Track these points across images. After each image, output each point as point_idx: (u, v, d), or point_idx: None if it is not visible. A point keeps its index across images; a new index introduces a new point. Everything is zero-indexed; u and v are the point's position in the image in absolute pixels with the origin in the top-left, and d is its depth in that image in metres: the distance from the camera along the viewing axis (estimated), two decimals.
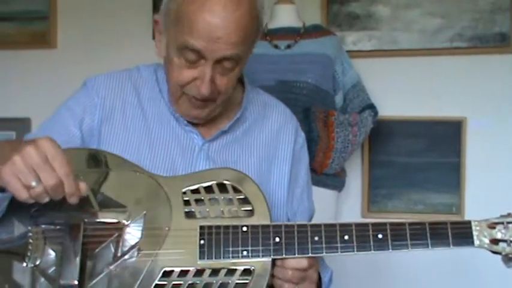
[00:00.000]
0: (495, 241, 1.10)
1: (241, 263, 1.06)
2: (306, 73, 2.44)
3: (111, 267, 1.04)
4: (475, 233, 1.13)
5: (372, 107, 2.52)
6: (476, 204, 2.70)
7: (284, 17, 2.55)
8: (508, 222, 1.08)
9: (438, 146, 2.72)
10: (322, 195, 2.51)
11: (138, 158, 1.19)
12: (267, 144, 1.30)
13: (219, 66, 1.14)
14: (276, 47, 2.48)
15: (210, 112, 1.22)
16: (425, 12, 2.72)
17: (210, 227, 1.07)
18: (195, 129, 1.25)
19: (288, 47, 2.49)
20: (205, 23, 1.09)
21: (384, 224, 1.09)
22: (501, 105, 2.69)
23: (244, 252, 1.06)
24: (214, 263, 1.06)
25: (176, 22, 1.13)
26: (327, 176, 2.49)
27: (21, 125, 2.96)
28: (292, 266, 1.08)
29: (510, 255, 1.08)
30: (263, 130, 1.32)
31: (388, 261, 2.77)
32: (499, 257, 1.13)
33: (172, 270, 1.04)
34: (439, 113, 2.71)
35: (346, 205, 2.75)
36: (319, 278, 1.20)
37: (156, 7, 2.84)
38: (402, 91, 2.74)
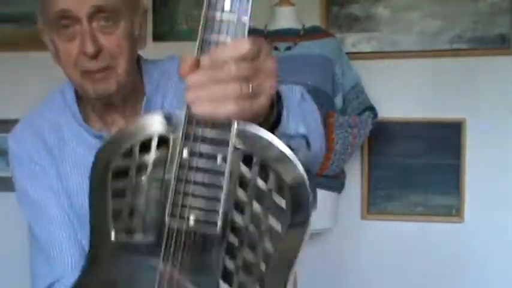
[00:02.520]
0: None
1: None
2: (306, 75, 2.43)
3: None
4: None
5: (371, 108, 2.52)
6: (476, 206, 2.70)
7: (283, 19, 2.55)
8: None
9: (438, 148, 2.72)
10: (322, 197, 2.49)
11: (81, 186, 1.14)
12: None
13: (96, 24, 1.07)
14: (275, 48, 2.48)
15: (119, 84, 1.11)
16: (425, 13, 2.72)
17: None
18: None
19: (288, 48, 2.49)
20: None
21: None
22: (501, 107, 2.69)
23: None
24: None
25: (42, 6, 1.12)
26: (326, 178, 2.48)
27: None
28: (229, 54, 0.76)
29: None
30: (172, 97, 1.22)
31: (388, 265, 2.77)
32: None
33: None
34: (439, 115, 2.71)
35: (346, 207, 2.75)
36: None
37: (156, 9, 2.85)
38: (402, 93, 2.74)
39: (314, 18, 2.73)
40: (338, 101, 2.54)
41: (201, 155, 0.85)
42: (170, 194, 0.87)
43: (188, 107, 0.81)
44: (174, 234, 0.88)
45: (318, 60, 2.47)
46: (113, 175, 0.92)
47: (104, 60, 1.08)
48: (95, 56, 1.07)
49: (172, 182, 0.87)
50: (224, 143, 0.83)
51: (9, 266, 2.75)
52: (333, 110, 2.48)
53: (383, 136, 2.69)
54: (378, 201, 2.77)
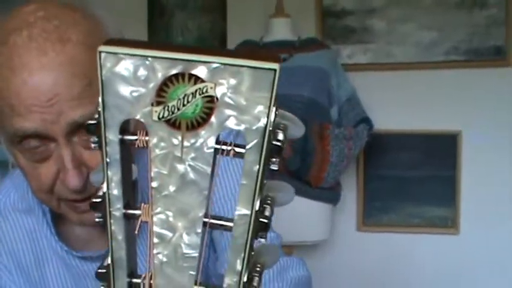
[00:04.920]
0: None
1: None
2: (301, 86, 2.43)
3: None
4: None
5: (367, 120, 2.52)
6: (472, 218, 2.70)
7: (279, 31, 2.55)
8: None
9: (433, 160, 2.71)
10: (317, 209, 2.50)
11: None
12: None
13: (76, 138, 0.78)
14: None
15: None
16: (421, 25, 2.72)
17: None
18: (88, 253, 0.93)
19: (284, 60, 2.49)
20: (24, 86, 0.74)
21: None
22: (497, 119, 2.69)
23: None
24: None
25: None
26: (322, 189, 2.48)
27: None
28: None
29: None
30: None
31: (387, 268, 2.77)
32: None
33: None
34: (434, 127, 2.71)
35: (342, 218, 2.74)
36: None
37: (151, 21, 2.84)
38: (397, 104, 2.73)
39: (310, 30, 2.73)
40: (333, 112, 2.53)
41: None
42: None
43: None
44: None
45: (313, 71, 2.47)
46: None
47: (89, 189, 0.80)
48: (82, 190, 0.79)
49: None
50: None
51: None
52: (329, 122, 2.48)
53: (378, 148, 2.69)
54: (374, 212, 2.76)
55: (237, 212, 0.43)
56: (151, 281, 0.46)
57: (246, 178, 0.41)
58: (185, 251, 0.44)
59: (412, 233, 2.74)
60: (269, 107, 0.39)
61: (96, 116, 0.42)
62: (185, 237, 0.44)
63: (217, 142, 0.41)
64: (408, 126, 2.72)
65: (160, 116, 0.40)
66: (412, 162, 2.72)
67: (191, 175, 0.42)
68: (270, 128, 0.40)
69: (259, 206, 0.42)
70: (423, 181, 2.72)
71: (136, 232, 0.47)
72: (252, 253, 0.45)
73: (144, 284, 0.47)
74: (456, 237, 2.72)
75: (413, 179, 2.72)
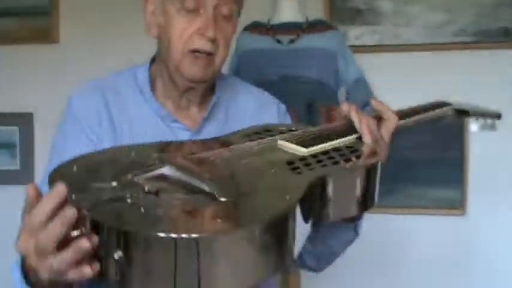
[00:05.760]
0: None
1: (343, 142, 1.11)
2: (309, 68, 2.43)
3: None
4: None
5: None
6: (479, 199, 2.71)
7: (287, 12, 2.54)
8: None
9: (441, 141, 2.72)
10: None
11: None
12: (251, 120, 1.28)
13: (218, 14, 1.17)
14: (278, 41, 2.48)
15: (213, 74, 1.21)
16: (428, 6, 2.72)
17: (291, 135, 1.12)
18: (181, 124, 1.23)
19: (291, 41, 2.49)
20: None
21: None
22: (504, 100, 2.68)
23: (335, 138, 1.11)
24: (320, 146, 1.06)
25: None
26: None
27: (23, 120, 2.97)
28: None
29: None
30: (242, 109, 1.32)
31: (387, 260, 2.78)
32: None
33: (293, 161, 1.01)
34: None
35: None
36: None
37: None
38: (405, 86, 2.73)
39: (317, 12, 2.72)
40: (341, 94, 2.54)
41: None
42: None
43: None
44: None
45: (321, 53, 2.47)
46: None
47: (214, 46, 1.16)
48: (213, 40, 1.15)
49: None
50: None
51: (8, 261, 2.76)
52: (336, 103, 2.48)
53: None
54: (380, 194, 2.76)
55: None
56: None
57: None
58: None
59: (418, 214, 2.74)
60: None
61: None
62: None
63: None
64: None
65: None
66: (419, 143, 2.72)
67: None
68: None
69: None
70: (430, 163, 2.72)
71: None
72: None
73: None
74: (463, 218, 2.72)
75: (420, 160, 2.73)
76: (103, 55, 2.92)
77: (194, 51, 1.16)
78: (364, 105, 2.52)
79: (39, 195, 0.83)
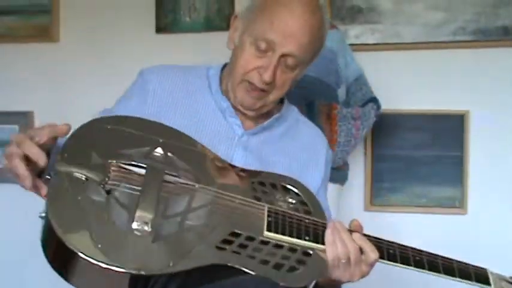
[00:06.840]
0: None
1: (303, 245, 1.15)
2: (309, 66, 2.43)
3: (182, 215, 1.08)
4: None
5: (374, 100, 2.52)
6: (480, 198, 2.70)
7: None
8: None
9: (441, 140, 2.71)
10: None
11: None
12: (302, 150, 1.43)
13: (283, 61, 1.31)
14: None
15: (262, 106, 1.36)
16: (428, 5, 2.71)
17: (276, 211, 1.18)
18: (238, 120, 1.39)
19: None
20: (284, 19, 1.28)
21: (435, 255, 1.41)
22: (504, 99, 2.68)
23: (307, 237, 1.16)
24: (280, 237, 1.13)
25: (258, 15, 1.31)
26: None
27: (23, 118, 2.97)
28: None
29: None
30: (297, 138, 1.46)
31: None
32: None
33: (241, 234, 1.10)
34: (442, 107, 2.70)
35: (349, 199, 2.75)
36: None
37: (158, 1, 2.84)
38: (405, 84, 2.73)
39: None
40: (341, 92, 2.53)
41: None
42: None
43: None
44: None
45: (321, 51, 2.46)
46: None
47: (269, 86, 1.33)
48: (267, 83, 1.31)
49: None
50: None
51: (7, 258, 2.76)
52: (336, 102, 2.48)
53: (386, 128, 2.69)
54: (381, 193, 2.77)
55: None
56: None
57: None
58: None
59: (419, 213, 2.74)
60: None
61: None
62: None
63: None
64: (416, 106, 2.72)
65: None
66: (420, 142, 2.72)
67: None
68: None
69: None
70: (431, 161, 2.72)
71: None
72: None
73: None
74: (464, 217, 2.72)
75: (421, 159, 2.73)
76: (103, 54, 2.92)
77: (249, 82, 1.33)
78: (364, 103, 2.52)
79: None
